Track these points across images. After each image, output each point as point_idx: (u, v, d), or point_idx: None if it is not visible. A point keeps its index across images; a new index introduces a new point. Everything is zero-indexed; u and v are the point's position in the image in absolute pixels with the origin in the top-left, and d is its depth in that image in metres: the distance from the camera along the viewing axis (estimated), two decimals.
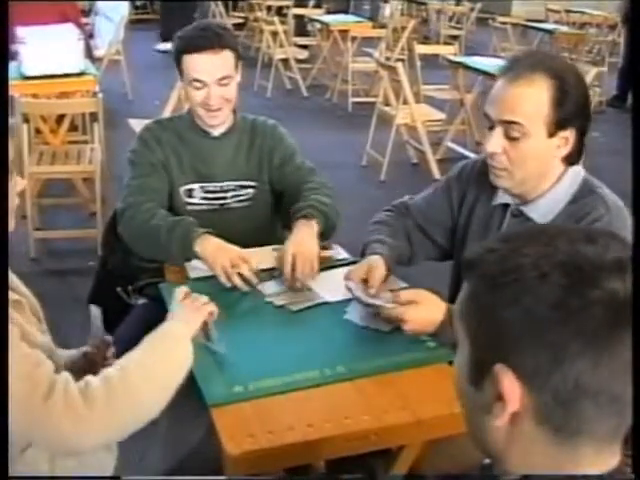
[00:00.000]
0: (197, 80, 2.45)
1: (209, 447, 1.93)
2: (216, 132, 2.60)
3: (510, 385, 0.89)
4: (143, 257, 2.54)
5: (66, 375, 1.53)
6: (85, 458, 1.74)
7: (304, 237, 2.32)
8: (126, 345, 1.73)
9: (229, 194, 2.61)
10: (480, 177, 2.12)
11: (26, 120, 4.51)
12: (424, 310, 1.84)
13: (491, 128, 1.90)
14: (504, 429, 0.92)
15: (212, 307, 1.84)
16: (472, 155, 6.38)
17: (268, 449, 1.59)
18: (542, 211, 1.95)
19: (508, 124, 1.85)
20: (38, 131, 5.10)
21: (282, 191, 2.66)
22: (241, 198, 2.62)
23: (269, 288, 2.25)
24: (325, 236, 2.45)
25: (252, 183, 2.63)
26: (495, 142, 1.88)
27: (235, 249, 2.27)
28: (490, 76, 6.00)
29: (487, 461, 1.01)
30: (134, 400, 1.58)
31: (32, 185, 4.62)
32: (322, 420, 1.67)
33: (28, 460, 1.65)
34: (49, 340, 1.76)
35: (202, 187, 2.59)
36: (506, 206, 2.05)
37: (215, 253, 2.26)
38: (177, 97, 5.28)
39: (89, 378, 1.55)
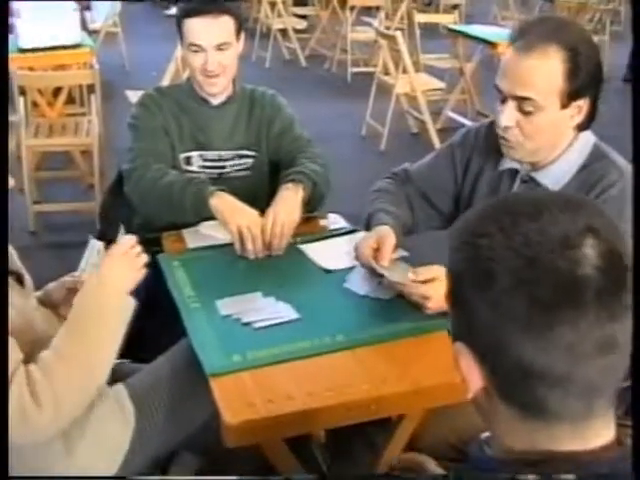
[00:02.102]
0: (195, 45, 2.44)
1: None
2: (215, 101, 2.60)
3: (466, 364, 0.89)
4: (144, 223, 2.54)
5: (22, 372, 1.54)
6: (101, 432, 1.75)
7: (286, 201, 2.33)
8: (135, 317, 1.74)
9: (228, 163, 2.60)
10: (485, 142, 2.09)
11: (22, 93, 4.48)
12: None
13: (503, 101, 1.86)
14: (483, 403, 0.92)
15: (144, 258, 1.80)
16: (472, 125, 6.35)
17: (267, 418, 1.59)
18: (554, 177, 1.93)
19: (521, 99, 1.82)
20: (35, 104, 5.07)
21: (279, 161, 2.65)
22: (240, 167, 2.62)
23: None
24: (312, 205, 2.45)
25: (251, 153, 2.62)
26: (508, 116, 1.84)
27: (253, 213, 2.27)
28: (490, 44, 5.95)
29: (485, 435, 1.01)
30: (78, 380, 1.60)
31: (30, 158, 4.60)
32: (322, 389, 1.67)
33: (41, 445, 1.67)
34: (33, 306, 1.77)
35: (201, 155, 2.58)
36: (515, 171, 2.02)
37: (233, 210, 2.27)
38: (175, 68, 5.24)
39: (33, 370, 1.54)
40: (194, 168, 2.57)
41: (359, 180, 5.39)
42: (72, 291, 1.85)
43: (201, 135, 2.58)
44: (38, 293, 1.92)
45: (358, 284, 2.08)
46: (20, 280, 1.81)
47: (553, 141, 1.91)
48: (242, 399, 1.63)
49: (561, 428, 0.87)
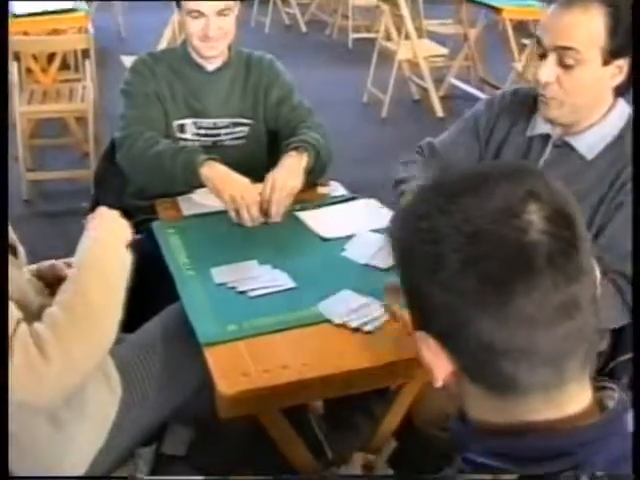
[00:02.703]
0: (195, 10, 2.40)
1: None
2: (210, 67, 2.56)
3: (430, 352, 0.88)
4: (138, 191, 2.51)
5: (25, 329, 1.51)
6: (86, 403, 1.73)
7: (289, 168, 2.31)
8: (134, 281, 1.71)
9: (222, 131, 2.57)
10: (512, 107, 2.06)
11: (17, 58, 4.44)
12: None
13: (542, 57, 1.83)
14: (454, 388, 0.91)
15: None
16: (476, 92, 6.32)
17: (262, 388, 1.57)
18: (588, 143, 1.89)
19: (563, 50, 1.78)
20: (29, 70, 5.03)
21: (277, 131, 2.61)
22: (235, 136, 2.58)
23: None
24: (315, 174, 2.43)
25: (247, 121, 2.59)
26: (548, 71, 1.81)
27: (246, 181, 2.25)
28: (495, 10, 5.89)
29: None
30: (86, 331, 1.56)
31: (24, 126, 4.56)
32: (318, 359, 1.65)
33: (26, 418, 1.66)
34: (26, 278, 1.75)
35: (195, 123, 2.55)
36: (546, 137, 1.98)
37: (224, 180, 2.25)
38: (171, 34, 5.20)
39: (37, 326, 1.51)
40: (188, 136, 2.54)
41: (360, 148, 5.42)
42: (63, 274, 1.83)
43: (195, 102, 2.54)
44: (32, 267, 1.90)
45: (357, 252, 2.06)
46: (13, 251, 1.79)
47: (593, 101, 1.87)
48: (237, 369, 1.62)
49: (534, 399, 0.85)
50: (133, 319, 1.89)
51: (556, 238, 0.80)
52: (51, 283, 1.88)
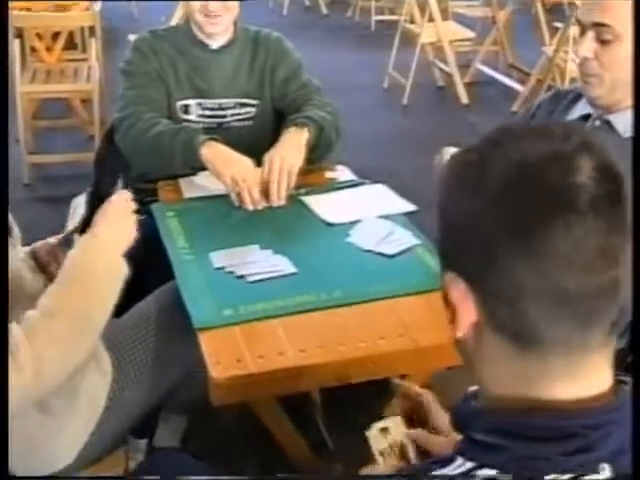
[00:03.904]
0: None
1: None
2: (215, 44, 2.58)
3: (458, 294, 0.89)
4: (140, 174, 2.55)
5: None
6: (75, 386, 1.77)
7: (288, 145, 2.34)
8: (132, 264, 1.73)
9: (228, 112, 2.60)
10: (552, 98, 2.16)
11: (19, 36, 4.49)
12: None
13: (582, 34, 1.95)
14: (472, 343, 0.92)
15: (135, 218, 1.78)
16: (504, 79, 6.31)
17: (257, 374, 1.61)
18: (627, 122, 1.96)
19: (600, 27, 1.89)
20: (33, 49, 5.07)
21: (283, 110, 2.63)
22: (241, 117, 2.61)
23: None
24: (319, 152, 2.45)
25: (253, 101, 2.61)
26: (586, 46, 1.92)
27: (248, 161, 2.28)
28: None
29: (472, 388, 1.02)
30: (64, 340, 1.57)
31: (26, 106, 4.62)
32: (315, 346, 1.69)
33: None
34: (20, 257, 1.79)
35: (199, 104, 2.57)
36: (585, 119, 2.05)
37: (225, 160, 2.28)
38: (182, 13, 5.22)
39: (14, 331, 1.51)
40: (192, 117, 2.57)
41: (379, 134, 5.45)
42: (58, 251, 1.87)
43: (199, 81, 2.57)
44: (26, 248, 1.94)
45: (363, 238, 2.09)
46: (8, 230, 1.83)
47: (630, 77, 1.93)
48: (231, 354, 1.66)
49: (556, 361, 0.87)
50: (128, 302, 1.94)
51: (602, 187, 0.83)
52: (47, 262, 1.93)
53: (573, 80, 4.71)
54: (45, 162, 4.70)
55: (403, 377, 1.86)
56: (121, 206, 1.77)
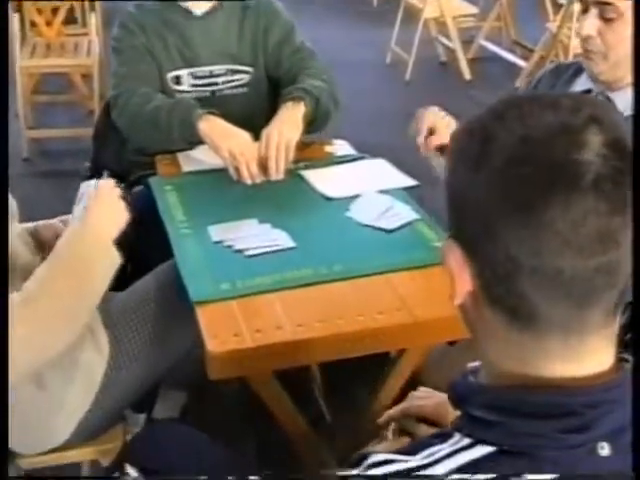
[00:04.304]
0: None
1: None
2: (198, 10, 2.54)
3: (455, 261, 0.89)
4: (138, 148, 2.54)
5: None
6: (72, 362, 1.77)
7: (285, 120, 2.32)
8: (129, 234, 1.74)
9: (220, 79, 2.57)
10: (553, 71, 2.16)
11: (18, 10, 4.46)
12: None
13: (584, 11, 1.94)
14: (470, 311, 0.92)
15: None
16: (507, 55, 6.27)
17: (254, 348, 1.61)
18: (627, 99, 1.95)
19: (603, 5, 1.88)
20: (33, 24, 5.04)
21: (278, 78, 2.61)
22: (234, 84, 2.58)
23: None
24: (316, 123, 2.43)
25: (246, 68, 2.59)
26: (589, 24, 1.91)
27: (245, 135, 2.27)
28: None
29: (472, 365, 1.01)
30: (56, 319, 1.58)
31: (25, 81, 4.60)
32: (314, 320, 1.69)
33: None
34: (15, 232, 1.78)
35: (190, 73, 2.55)
36: (586, 93, 2.04)
37: (222, 134, 2.27)
38: None
39: (13, 297, 1.51)
40: (185, 87, 2.55)
41: (382, 110, 5.42)
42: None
43: (188, 50, 2.54)
44: (28, 225, 1.93)
45: (362, 213, 2.08)
46: None
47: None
48: (229, 328, 1.65)
49: (553, 340, 0.86)
50: (126, 277, 1.94)
51: (609, 164, 0.81)
52: (49, 242, 1.91)
53: (577, 57, 4.69)
54: (44, 137, 4.69)
55: (401, 352, 1.87)
56: (108, 192, 1.76)
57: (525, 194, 0.81)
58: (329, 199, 2.18)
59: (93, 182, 1.83)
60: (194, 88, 2.56)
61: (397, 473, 0.89)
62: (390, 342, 1.77)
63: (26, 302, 1.54)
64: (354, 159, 2.43)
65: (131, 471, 1.58)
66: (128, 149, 2.65)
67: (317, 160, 2.41)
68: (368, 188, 2.21)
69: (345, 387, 2.31)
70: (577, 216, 0.80)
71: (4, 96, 1.67)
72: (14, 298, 1.53)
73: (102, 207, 1.74)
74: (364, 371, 2.10)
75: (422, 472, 0.88)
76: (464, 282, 0.89)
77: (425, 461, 0.89)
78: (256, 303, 1.74)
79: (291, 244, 1.94)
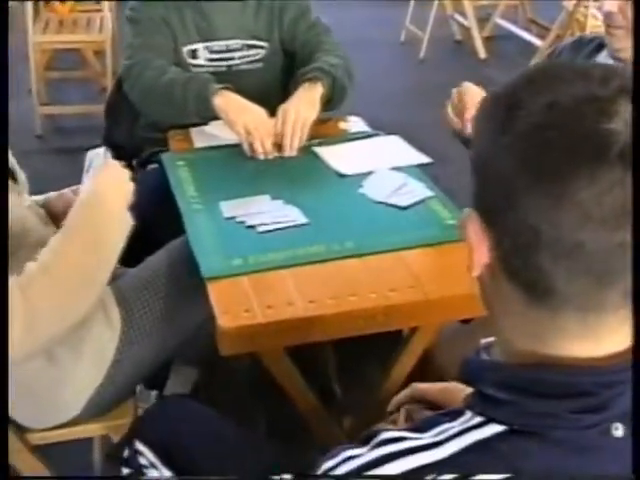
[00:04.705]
0: None
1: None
2: None
3: (474, 231, 0.87)
4: (150, 123, 2.53)
5: None
6: (83, 338, 1.76)
7: (302, 99, 2.31)
8: (142, 212, 1.73)
9: (236, 54, 2.56)
10: (574, 44, 2.13)
11: None
12: None
13: None
14: (488, 284, 0.90)
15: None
16: (523, 33, 6.22)
17: (265, 324, 1.60)
18: None
19: None
20: (46, 0, 5.04)
21: (294, 52, 2.61)
22: (250, 59, 2.58)
23: None
24: (334, 101, 2.43)
25: (262, 43, 2.58)
26: (611, 1, 1.91)
27: (261, 111, 2.26)
28: None
29: (486, 340, 1.00)
30: (61, 297, 1.55)
31: (38, 57, 4.59)
32: (325, 296, 1.67)
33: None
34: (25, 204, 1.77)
35: (207, 47, 2.54)
36: None
37: (238, 109, 2.26)
38: None
39: (11, 283, 1.48)
40: (201, 61, 2.54)
41: (396, 89, 5.40)
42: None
43: (205, 24, 2.53)
44: (40, 197, 1.92)
45: (375, 190, 2.07)
46: (13, 176, 1.82)
47: None
48: (240, 304, 1.64)
49: (569, 318, 0.84)
50: (137, 253, 1.93)
51: (637, 136, 0.78)
52: (62, 213, 1.89)
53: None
54: (58, 113, 4.69)
55: (413, 330, 1.86)
56: (117, 171, 1.75)
57: (549, 161, 0.79)
58: (342, 176, 2.17)
59: (101, 150, 1.82)
60: (210, 62, 2.55)
61: (407, 450, 0.89)
62: (402, 320, 1.75)
63: (44, 270, 1.53)
64: (368, 136, 2.41)
65: (141, 447, 1.58)
66: (140, 125, 2.64)
67: (331, 137, 2.40)
68: (382, 165, 2.20)
69: (357, 364, 2.31)
70: (602, 188, 0.77)
71: (4, 95, 1.65)
72: (31, 268, 1.52)
73: (109, 180, 1.72)
74: (376, 348, 2.10)
75: (432, 450, 0.87)
76: (482, 253, 0.87)
77: (436, 439, 0.88)
78: (268, 279, 1.73)
79: (304, 220, 1.92)
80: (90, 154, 1.79)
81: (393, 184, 2.08)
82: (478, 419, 0.87)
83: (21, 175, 1.86)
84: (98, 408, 1.85)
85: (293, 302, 1.65)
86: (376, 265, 1.79)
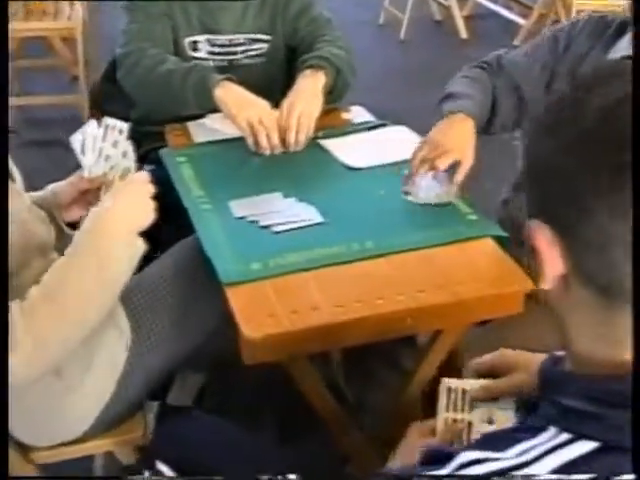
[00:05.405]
0: None
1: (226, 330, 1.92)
2: None
3: (545, 242, 0.86)
4: (143, 114, 2.47)
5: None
6: (92, 349, 1.71)
7: (305, 90, 2.27)
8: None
9: (239, 49, 2.52)
10: (596, 28, 2.04)
11: None
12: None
13: None
14: (561, 296, 0.89)
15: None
16: (503, 11, 6.23)
17: (291, 332, 1.56)
18: None
19: None
20: None
21: (295, 47, 2.58)
22: (253, 53, 2.54)
23: None
24: (336, 93, 2.40)
25: (265, 37, 2.54)
26: None
27: (264, 103, 2.22)
28: None
29: (557, 354, 0.98)
30: (64, 324, 1.51)
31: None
32: (351, 300, 1.63)
33: None
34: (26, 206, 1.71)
35: (208, 40, 2.49)
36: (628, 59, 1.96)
37: (241, 102, 2.21)
38: None
39: (11, 307, 1.44)
40: (202, 55, 2.49)
41: (377, 72, 5.36)
42: (83, 193, 1.78)
43: (209, 17, 2.48)
44: (38, 193, 1.85)
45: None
46: (11, 175, 1.75)
47: None
48: (263, 311, 1.60)
49: None
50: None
51: None
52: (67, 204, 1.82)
53: (580, 14, 4.63)
54: (29, 104, 4.60)
55: (438, 332, 1.83)
56: (141, 187, 1.64)
57: (615, 155, 0.78)
58: (353, 169, 2.13)
59: (93, 125, 1.75)
60: (211, 56, 2.50)
61: (493, 474, 0.86)
62: (432, 322, 1.73)
63: (48, 299, 1.49)
64: (374, 126, 2.37)
65: (164, 468, 1.54)
66: (132, 118, 2.58)
67: (335, 128, 2.36)
68: (392, 157, 2.16)
69: (362, 361, 2.28)
70: None
71: (4, 94, 1.59)
72: (33, 294, 1.48)
73: (130, 199, 1.62)
74: (387, 348, 2.08)
75: (520, 472, 0.85)
76: (556, 264, 0.86)
77: (521, 460, 0.85)
78: (290, 283, 1.68)
79: (319, 219, 1.88)
80: (87, 131, 1.68)
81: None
82: (565, 436, 0.85)
83: (17, 176, 1.80)
84: (107, 422, 1.81)
85: (318, 307, 1.62)
86: (400, 264, 1.76)
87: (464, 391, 1.36)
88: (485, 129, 2.14)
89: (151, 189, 1.63)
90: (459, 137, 1.96)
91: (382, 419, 2.05)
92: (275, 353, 1.61)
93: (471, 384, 1.35)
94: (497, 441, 0.90)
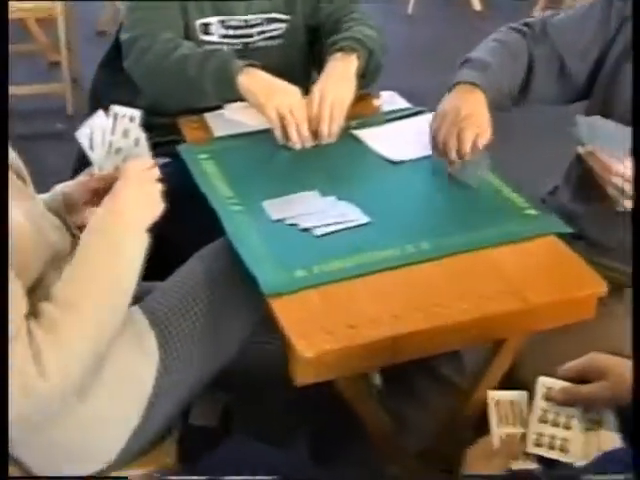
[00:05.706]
0: None
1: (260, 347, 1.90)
2: None
3: None
4: (151, 104, 2.43)
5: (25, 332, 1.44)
6: (117, 371, 1.69)
7: (337, 75, 2.25)
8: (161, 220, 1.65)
9: (255, 30, 2.48)
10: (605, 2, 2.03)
11: None
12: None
13: None
14: None
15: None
16: None
17: (350, 347, 1.53)
18: None
19: None
20: None
21: (318, 24, 2.54)
22: (269, 35, 2.50)
23: None
24: (369, 77, 2.37)
25: (283, 16, 2.51)
26: None
27: (295, 90, 2.19)
28: None
29: None
30: (88, 331, 1.51)
31: None
32: (411, 310, 1.60)
33: None
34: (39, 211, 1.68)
35: (221, 21, 2.45)
36: None
37: (269, 90, 2.17)
38: None
39: (32, 328, 1.44)
40: (214, 38, 2.45)
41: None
42: (96, 192, 1.75)
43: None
44: (45, 196, 1.82)
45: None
46: (21, 176, 1.72)
47: None
48: (314, 324, 1.57)
49: None
50: (159, 264, 1.83)
51: None
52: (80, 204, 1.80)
53: None
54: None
55: (500, 343, 1.80)
56: (144, 174, 1.65)
57: None
58: (393, 163, 2.10)
59: (101, 116, 1.73)
60: (224, 39, 2.46)
61: None
62: (499, 331, 1.71)
63: (69, 307, 1.48)
64: (410, 114, 2.34)
65: None
66: (138, 108, 2.54)
67: (369, 117, 2.33)
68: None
69: (404, 379, 2.26)
70: None
71: (4, 94, 1.57)
72: (49, 310, 1.47)
73: (135, 191, 1.63)
74: (433, 371, 2.07)
75: None
76: None
77: None
78: (341, 292, 1.65)
79: (365, 219, 1.85)
80: (94, 124, 1.64)
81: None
82: None
83: (25, 173, 1.76)
84: (135, 451, 1.78)
85: (376, 318, 1.59)
86: (459, 268, 1.73)
87: (512, 403, 1.38)
88: (517, 100, 2.13)
89: (155, 173, 1.65)
90: (473, 109, 1.96)
91: (430, 438, 2.04)
92: (331, 372, 1.59)
93: (519, 395, 1.38)
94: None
